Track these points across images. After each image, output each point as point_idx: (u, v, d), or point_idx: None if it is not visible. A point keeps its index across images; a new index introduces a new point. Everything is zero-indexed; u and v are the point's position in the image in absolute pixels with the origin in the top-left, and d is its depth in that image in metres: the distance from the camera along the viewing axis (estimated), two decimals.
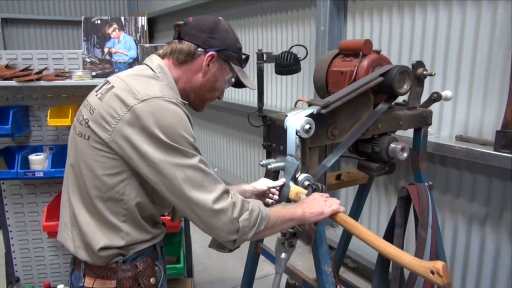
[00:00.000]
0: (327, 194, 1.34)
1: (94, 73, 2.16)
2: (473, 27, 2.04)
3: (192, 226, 2.51)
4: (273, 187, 1.50)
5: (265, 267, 2.84)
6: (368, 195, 2.25)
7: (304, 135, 1.39)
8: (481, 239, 2.14)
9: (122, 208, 1.11)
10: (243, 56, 1.31)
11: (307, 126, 1.38)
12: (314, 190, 1.35)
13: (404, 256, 1.05)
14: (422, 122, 1.80)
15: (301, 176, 1.43)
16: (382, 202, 2.70)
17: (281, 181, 1.47)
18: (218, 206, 1.06)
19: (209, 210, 1.06)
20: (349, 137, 1.56)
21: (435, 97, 1.83)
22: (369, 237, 1.15)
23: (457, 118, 2.18)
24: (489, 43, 1.99)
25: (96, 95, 1.16)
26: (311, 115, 1.41)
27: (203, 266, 3.03)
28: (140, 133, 1.04)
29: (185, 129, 1.08)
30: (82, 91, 2.27)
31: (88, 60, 2.21)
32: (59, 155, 2.24)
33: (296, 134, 1.39)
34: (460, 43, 2.11)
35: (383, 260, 2.05)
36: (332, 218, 1.27)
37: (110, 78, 1.20)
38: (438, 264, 0.95)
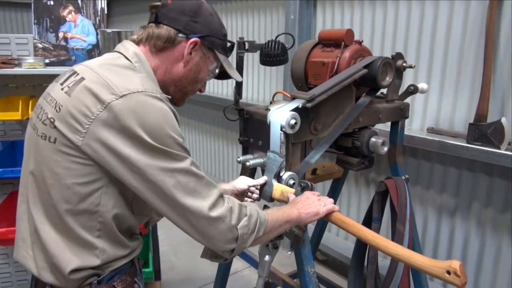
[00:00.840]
0: (318, 193, 1.26)
1: (47, 61, 1.92)
2: (446, 19, 2.03)
3: (158, 225, 2.36)
4: (253, 186, 1.39)
5: (234, 263, 2.74)
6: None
7: (290, 131, 1.29)
8: (451, 229, 2.17)
9: (96, 222, 0.95)
10: (229, 44, 1.17)
11: (292, 121, 1.28)
12: (303, 189, 1.26)
13: (416, 257, 0.99)
14: (400, 115, 1.77)
15: (285, 175, 1.33)
16: (352, 195, 2.69)
17: (262, 179, 1.36)
18: (214, 213, 0.94)
19: (204, 218, 0.93)
20: (332, 132, 1.48)
21: (412, 90, 1.79)
22: (372, 237, 1.08)
23: (429, 110, 2.17)
24: (462, 36, 1.98)
25: (62, 89, 0.97)
26: (296, 109, 1.31)
27: (170, 265, 2.88)
28: (120, 135, 0.89)
29: (173, 128, 0.93)
30: (34, 81, 2.01)
31: (40, 45, 1.97)
32: (7, 153, 1.99)
33: (281, 130, 1.29)
34: (432, 35, 2.10)
35: (359, 256, 2.02)
36: (327, 218, 1.20)
37: (77, 68, 1.02)
38: (455, 264, 0.91)
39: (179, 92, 1.13)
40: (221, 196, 0.99)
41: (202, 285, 2.63)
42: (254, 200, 1.44)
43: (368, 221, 1.89)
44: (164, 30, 1.06)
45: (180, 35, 1.07)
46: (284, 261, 2.93)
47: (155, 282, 2.29)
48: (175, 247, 3.07)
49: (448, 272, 0.93)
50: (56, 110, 0.94)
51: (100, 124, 0.89)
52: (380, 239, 1.07)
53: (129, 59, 1.03)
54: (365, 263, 1.97)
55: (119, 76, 0.95)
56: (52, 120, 0.94)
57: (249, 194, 1.44)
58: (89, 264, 0.96)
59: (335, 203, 2.18)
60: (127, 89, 0.91)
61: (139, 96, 0.91)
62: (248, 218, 1.01)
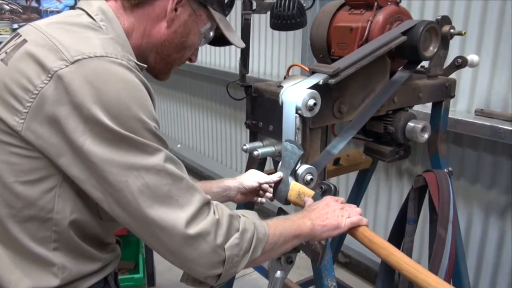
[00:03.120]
0: (342, 199, 1.11)
1: (15, 26, 1.83)
2: None
3: None
4: (266, 183, 1.26)
5: None
6: None
7: (307, 114, 1.15)
8: (500, 232, 2.03)
9: (51, 231, 0.83)
10: None
11: (311, 102, 1.13)
12: (324, 193, 1.12)
13: None
14: (444, 94, 1.61)
15: (301, 168, 1.19)
16: (381, 190, 2.55)
17: (276, 175, 1.22)
18: (193, 229, 0.80)
19: (180, 236, 0.79)
20: (360, 115, 1.34)
21: (460, 63, 1.63)
22: (408, 266, 0.93)
23: (478, 88, 2.02)
24: None
25: None
26: (315, 87, 1.17)
27: (166, 265, 2.77)
28: (71, 114, 0.75)
29: (143, 108, 0.79)
30: None
31: (7, 7, 1.86)
32: None
33: (297, 113, 1.15)
34: None
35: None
36: (351, 233, 1.06)
37: (22, 29, 0.89)
38: None
39: (161, 61, 0.99)
40: (206, 204, 0.84)
41: None
42: (269, 199, 1.31)
43: (401, 222, 1.78)
44: None
45: None
46: (299, 264, 2.81)
47: None
48: None
49: None
50: None
51: (45, 101, 0.75)
52: (418, 271, 0.92)
53: (92, 16, 0.88)
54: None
55: (73, 37, 0.81)
56: None
57: (261, 193, 1.31)
58: (45, 286, 0.84)
59: (361, 198, 2.11)
60: (81, 53, 0.77)
61: (97, 62, 0.77)
62: (241, 234, 0.86)
